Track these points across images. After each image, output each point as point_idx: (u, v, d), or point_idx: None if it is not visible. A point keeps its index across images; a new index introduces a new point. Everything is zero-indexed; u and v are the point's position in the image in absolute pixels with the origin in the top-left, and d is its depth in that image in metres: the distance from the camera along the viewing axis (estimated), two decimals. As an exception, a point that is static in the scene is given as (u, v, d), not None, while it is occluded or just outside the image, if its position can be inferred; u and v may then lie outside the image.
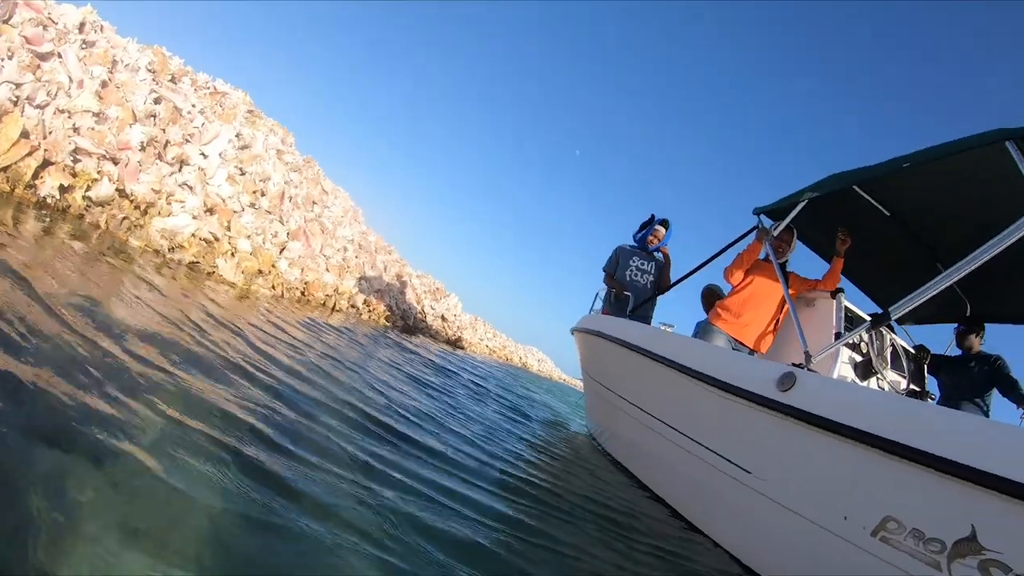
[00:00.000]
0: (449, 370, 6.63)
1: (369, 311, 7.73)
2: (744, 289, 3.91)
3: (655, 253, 5.12)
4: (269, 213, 5.89)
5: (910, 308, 2.63)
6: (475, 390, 6.06)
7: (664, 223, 5.14)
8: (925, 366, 4.28)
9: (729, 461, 3.07)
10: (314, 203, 7.46)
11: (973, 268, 2.38)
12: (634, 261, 5.12)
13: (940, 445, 1.96)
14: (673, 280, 4.97)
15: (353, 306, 7.33)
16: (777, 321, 3.94)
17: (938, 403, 3.90)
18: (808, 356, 2.98)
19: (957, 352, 4.21)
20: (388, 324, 8.26)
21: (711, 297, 4.55)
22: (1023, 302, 4.21)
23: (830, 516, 2.23)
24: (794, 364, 2.94)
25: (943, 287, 2.52)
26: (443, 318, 11.42)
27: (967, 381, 4.04)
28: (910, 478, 1.98)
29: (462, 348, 12.10)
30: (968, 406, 3.87)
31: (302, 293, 6.13)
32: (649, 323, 5.04)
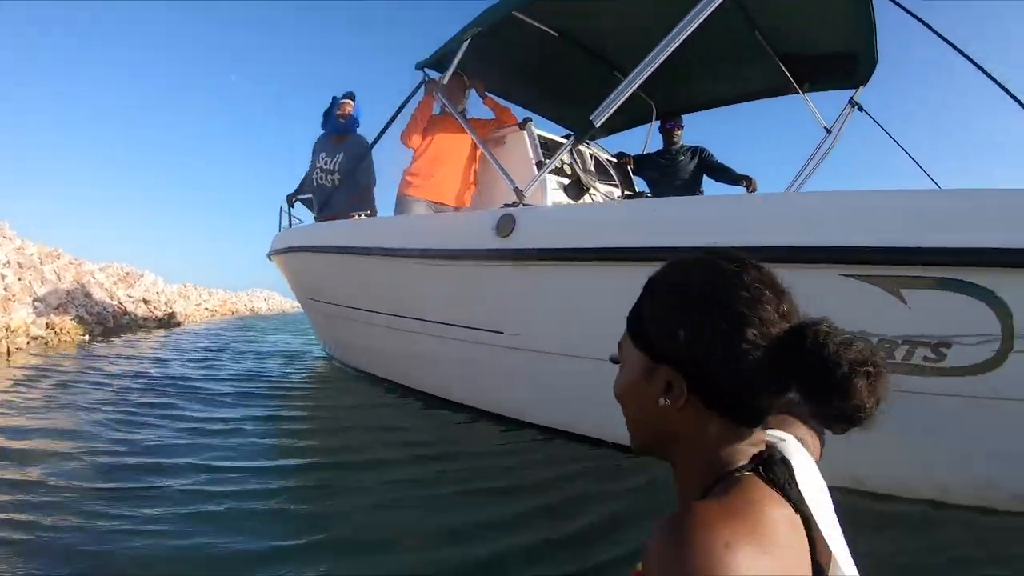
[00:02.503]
0: (163, 368, 5.41)
1: (57, 334, 7.12)
2: (428, 149, 3.74)
3: (351, 133, 4.65)
4: None
5: (606, 117, 2.48)
6: (200, 383, 4.74)
7: (348, 95, 4.67)
8: (630, 169, 4.32)
9: (477, 329, 2.92)
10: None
11: (655, 67, 2.29)
12: (320, 160, 4.67)
13: (708, 232, 1.98)
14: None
15: (35, 337, 6.69)
16: (474, 172, 3.83)
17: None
18: (519, 192, 2.75)
19: (658, 150, 4.33)
20: (85, 336, 7.70)
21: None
22: (701, 90, 4.26)
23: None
24: (507, 205, 2.77)
25: (632, 90, 2.44)
26: (145, 301, 10.68)
27: (676, 173, 4.13)
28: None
29: (179, 324, 11.55)
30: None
31: (-41, 353, 5.50)
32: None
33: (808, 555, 0.54)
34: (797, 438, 0.65)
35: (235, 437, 3.04)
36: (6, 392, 3.99)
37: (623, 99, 2.43)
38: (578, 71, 3.91)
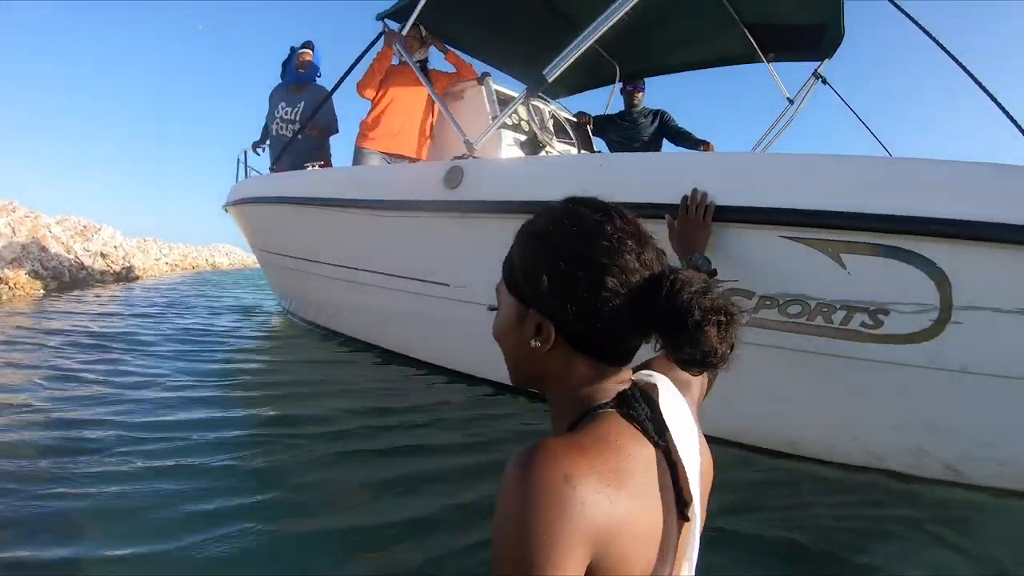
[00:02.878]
0: (111, 323, 5.19)
1: (10, 288, 7.12)
2: (383, 100, 3.69)
3: (311, 83, 4.55)
4: None
5: (559, 74, 2.43)
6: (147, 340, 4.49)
7: (307, 44, 4.55)
8: (589, 129, 4.27)
9: (424, 281, 2.92)
10: None
11: (613, 24, 2.23)
12: (279, 111, 4.53)
13: (653, 187, 1.94)
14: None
15: (-11, 292, 6.70)
16: (431, 125, 3.80)
17: None
18: (469, 144, 2.68)
19: (619, 111, 4.28)
20: (40, 291, 7.70)
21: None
22: (665, 54, 4.16)
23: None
24: (456, 157, 2.73)
25: (587, 46, 2.36)
26: (103, 255, 10.57)
27: (636, 135, 4.12)
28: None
29: (137, 278, 11.47)
30: None
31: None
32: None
33: (660, 492, 0.57)
34: (679, 380, 0.70)
35: (177, 392, 2.98)
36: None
37: (578, 54, 2.36)
38: (541, 27, 3.76)
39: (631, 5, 2.21)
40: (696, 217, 1.81)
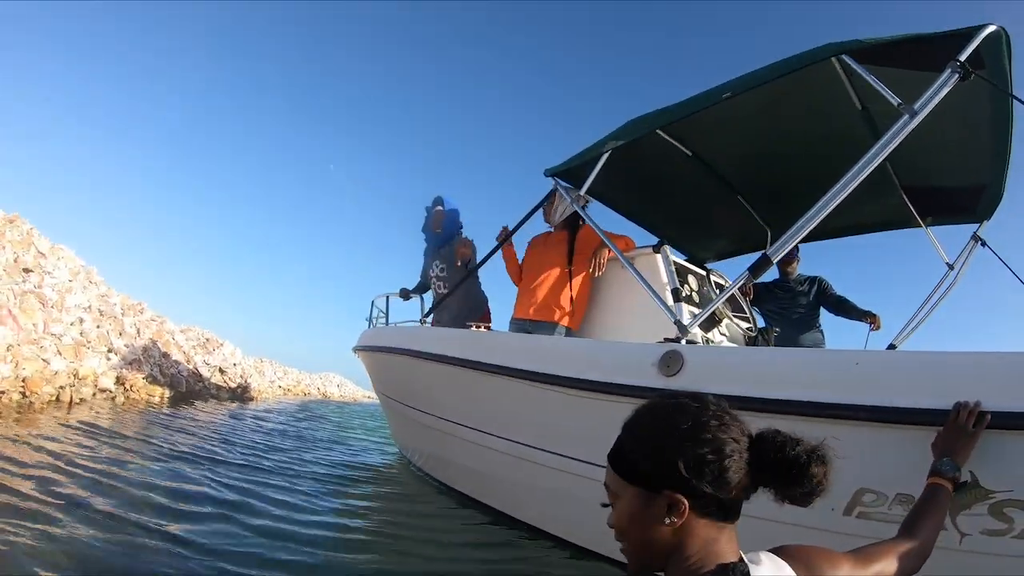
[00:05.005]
0: (227, 447, 4.90)
1: (126, 390, 6.43)
2: (532, 269, 3.59)
3: (454, 239, 4.40)
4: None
5: (790, 245, 2.34)
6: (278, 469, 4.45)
7: (437, 200, 4.48)
8: (748, 300, 4.07)
9: None
10: (27, 271, 5.93)
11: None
12: (434, 268, 4.45)
13: (899, 394, 1.72)
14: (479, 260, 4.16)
15: (103, 390, 6.00)
16: (572, 292, 3.58)
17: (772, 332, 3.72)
18: (682, 326, 2.50)
19: (774, 280, 4.15)
20: (156, 397, 6.98)
21: None
22: (824, 219, 4.17)
23: (788, 510, 2.02)
24: (667, 339, 2.53)
25: (824, 213, 2.28)
26: (221, 371, 10.09)
27: (794, 305, 4.02)
28: (872, 438, 1.71)
29: (252, 398, 10.87)
30: (809, 334, 3.93)
31: (22, 395, 4.81)
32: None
33: None
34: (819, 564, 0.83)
35: (283, 524, 2.94)
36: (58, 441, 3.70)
37: (810, 228, 2.31)
38: (702, 193, 3.82)
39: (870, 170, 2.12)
40: (964, 424, 1.58)
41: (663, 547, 0.75)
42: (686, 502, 0.73)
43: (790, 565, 0.78)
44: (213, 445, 4.83)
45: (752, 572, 0.73)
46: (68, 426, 4.38)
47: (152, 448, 4.22)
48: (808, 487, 0.75)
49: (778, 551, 0.81)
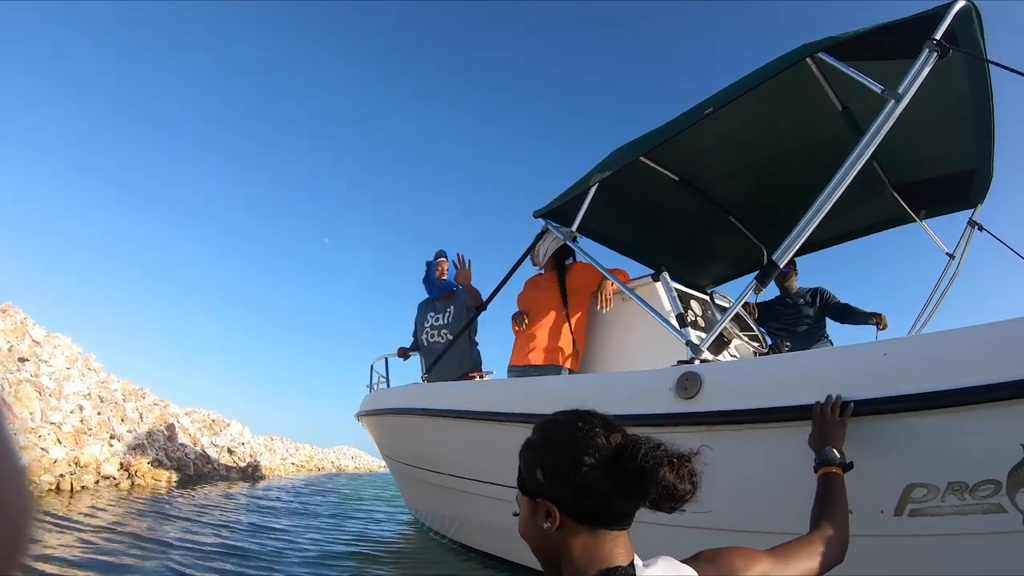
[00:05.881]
0: (237, 533, 4.52)
1: (130, 476, 6.19)
2: (531, 312, 3.50)
3: (454, 291, 4.38)
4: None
5: (795, 247, 2.32)
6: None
7: (440, 253, 4.54)
8: (754, 319, 4.01)
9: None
10: (23, 360, 5.83)
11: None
12: (428, 319, 4.46)
13: (921, 378, 1.66)
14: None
15: (105, 477, 5.78)
16: (572, 332, 3.52)
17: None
18: (695, 347, 2.46)
19: (775, 297, 4.13)
20: (162, 482, 6.72)
21: None
22: (816, 229, 4.02)
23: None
24: (681, 362, 2.45)
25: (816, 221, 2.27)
26: (230, 451, 9.81)
27: (798, 319, 3.98)
28: (913, 429, 1.63)
29: (263, 477, 10.52)
30: (818, 345, 3.83)
31: (21, 485, 4.59)
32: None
33: None
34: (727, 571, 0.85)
35: None
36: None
37: (809, 230, 2.27)
38: (693, 218, 3.81)
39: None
40: (831, 415, 1.65)
41: (554, 552, 0.80)
42: (556, 509, 0.78)
43: (694, 567, 0.81)
44: (196, 531, 4.38)
45: (639, 574, 0.76)
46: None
47: (125, 538, 3.77)
48: (657, 493, 0.75)
49: (692, 556, 0.85)
